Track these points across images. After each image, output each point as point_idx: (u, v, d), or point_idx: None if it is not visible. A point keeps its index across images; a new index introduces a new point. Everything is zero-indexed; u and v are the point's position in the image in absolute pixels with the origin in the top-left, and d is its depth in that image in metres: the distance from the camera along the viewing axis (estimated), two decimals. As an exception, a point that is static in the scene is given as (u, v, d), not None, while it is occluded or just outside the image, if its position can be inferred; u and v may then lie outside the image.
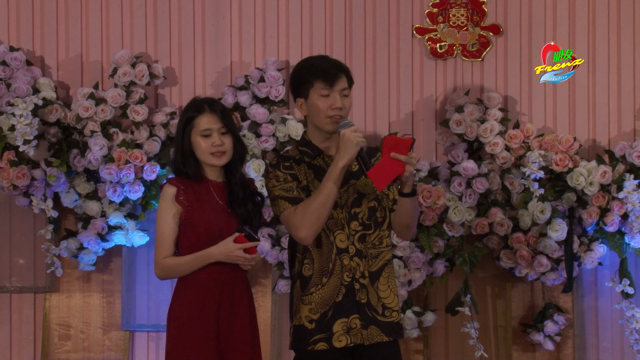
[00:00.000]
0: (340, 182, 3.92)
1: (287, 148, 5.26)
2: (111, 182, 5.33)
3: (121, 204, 5.43)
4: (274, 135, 5.48)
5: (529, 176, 5.40)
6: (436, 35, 5.69)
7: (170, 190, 4.15)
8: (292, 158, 4.07)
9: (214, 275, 4.13)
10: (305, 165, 4.05)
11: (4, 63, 5.46)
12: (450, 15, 5.68)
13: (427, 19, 5.69)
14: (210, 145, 4.14)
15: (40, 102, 5.30)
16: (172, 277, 4.20)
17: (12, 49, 5.51)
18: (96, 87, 5.52)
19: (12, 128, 5.27)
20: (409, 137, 4.01)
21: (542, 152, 5.44)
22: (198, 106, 4.18)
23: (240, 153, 4.22)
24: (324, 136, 4.06)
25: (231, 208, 4.18)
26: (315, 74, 4.01)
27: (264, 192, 5.30)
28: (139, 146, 5.44)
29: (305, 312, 4.01)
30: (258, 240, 4.13)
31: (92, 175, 5.46)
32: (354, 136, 3.88)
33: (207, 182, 4.20)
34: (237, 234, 4.09)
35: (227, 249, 4.07)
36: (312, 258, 4.01)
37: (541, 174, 5.39)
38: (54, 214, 5.37)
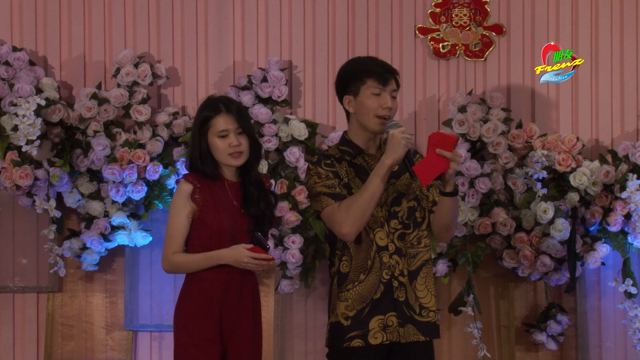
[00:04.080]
0: (386, 180, 3.96)
1: (297, 150, 5.31)
2: (114, 182, 5.34)
3: (124, 204, 5.43)
4: (276, 135, 5.48)
5: (531, 176, 5.40)
6: (439, 35, 5.69)
7: (186, 187, 4.15)
8: (333, 156, 4.11)
9: (222, 276, 4.13)
10: (346, 163, 4.09)
11: (7, 63, 5.47)
12: (453, 15, 5.68)
13: (430, 19, 5.69)
14: (227, 146, 4.14)
15: (43, 102, 5.30)
16: (179, 273, 4.22)
17: (15, 49, 5.52)
18: (99, 87, 5.52)
19: (15, 128, 5.27)
20: (453, 134, 4.05)
21: (545, 152, 5.43)
22: (214, 106, 4.19)
23: (256, 152, 4.23)
24: (367, 136, 4.09)
25: (244, 208, 4.17)
26: (368, 72, 4.06)
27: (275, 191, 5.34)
28: (142, 146, 5.44)
29: (341, 309, 4.03)
30: (267, 248, 4.12)
31: (95, 175, 5.47)
32: (403, 137, 3.93)
33: (223, 181, 4.20)
34: (251, 245, 4.08)
35: (239, 254, 4.07)
36: (351, 255, 4.04)
37: (544, 173, 5.39)
38: (57, 214, 5.38)
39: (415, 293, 4.05)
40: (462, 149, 5.46)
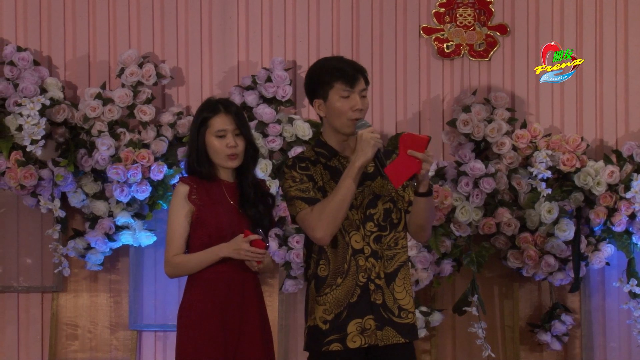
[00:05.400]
0: (357, 183, 3.91)
1: (301, 150, 5.28)
2: (118, 182, 5.34)
3: (128, 204, 5.44)
4: (281, 135, 5.49)
5: (536, 176, 5.39)
6: (443, 35, 5.69)
7: (182, 189, 4.14)
8: (308, 159, 4.05)
9: (224, 275, 4.11)
10: (321, 166, 4.03)
11: (12, 63, 5.47)
12: (457, 15, 5.68)
13: (434, 19, 5.69)
14: (224, 146, 4.13)
15: (47, 102, 5.30)
16: (182, 274, 4.18)
17: (19, 49, 5.52)
18: (103, 87, 5.52)
19: (20, 128, 5.28)
20: (425, 135, 3.99)
21: (550, 152, 5.43)
22: (213, 107, 4.18)
23: (252, 155, 4.21)
24: (340, 138, 4.04)
25: (242, 209, 4.16)
26: (335, 75, 3.97)
27: (279, 192, 5.34)
28: (146, 146, 5.45)
29: (319, 313, 4.00)
30: (267, 246, 4.10)
31: (100, 175, 5.47)
32: (372, 137, 3.87)
33: (219, 182, 4.18)
34: (246, 231, 4.07)
35: (237, 243, 4.06)
36: (328, 259, 3.99)
37: (548, 173, 5.38)
38: (62, 213, 5.38)
39: (393, 295, 4.00)
40: (467, 149, 5.46)
